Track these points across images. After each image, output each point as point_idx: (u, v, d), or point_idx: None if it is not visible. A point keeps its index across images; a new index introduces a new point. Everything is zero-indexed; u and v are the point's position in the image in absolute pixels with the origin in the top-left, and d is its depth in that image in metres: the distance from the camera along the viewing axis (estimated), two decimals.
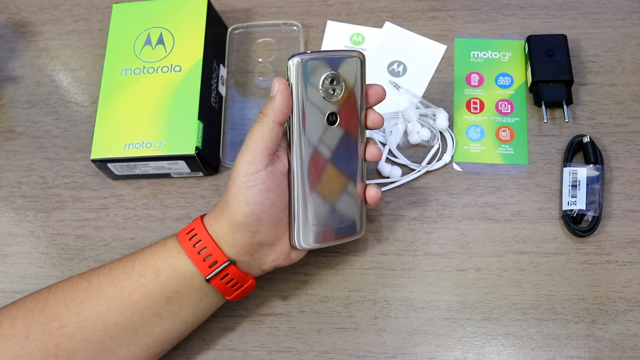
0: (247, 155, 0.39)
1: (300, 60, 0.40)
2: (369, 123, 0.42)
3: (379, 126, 0.43)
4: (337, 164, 0.42)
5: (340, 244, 0.45)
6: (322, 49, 0.57)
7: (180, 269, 0.41)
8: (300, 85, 0.40)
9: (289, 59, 0.40)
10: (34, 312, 0.40)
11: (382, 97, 0.42)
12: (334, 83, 0.40)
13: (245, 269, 0.42)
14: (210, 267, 0.40)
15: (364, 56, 0.41)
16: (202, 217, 0.42)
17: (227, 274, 0.41)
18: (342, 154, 0.42)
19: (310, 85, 0.40)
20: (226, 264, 0.40)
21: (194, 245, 0.40)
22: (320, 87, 0.40)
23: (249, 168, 0.39)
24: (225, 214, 0.40)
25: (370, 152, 0.43)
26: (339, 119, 0.41)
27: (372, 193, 0.43)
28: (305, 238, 0.42)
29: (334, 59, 0.40)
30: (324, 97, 0.40)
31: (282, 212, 0.41)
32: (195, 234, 0.41)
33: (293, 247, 0.42)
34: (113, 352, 0.40)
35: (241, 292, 0.42)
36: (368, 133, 0.46)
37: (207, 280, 0.40)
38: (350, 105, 0.41)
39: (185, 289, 0.41)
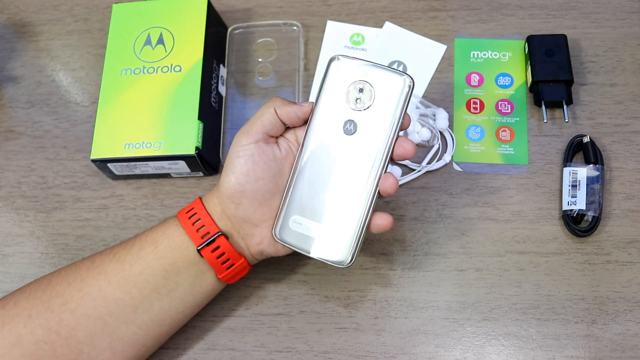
0: (243, 128, 0.42)
1: (335, 59, 0.41)
2: (398, 150, 0.40)
3: (407, 157, 0.40)
4: (343, 175, 0.40)
5: (320, 260, 0.41)
6: (322, 49, 0.57)
7: (177, 240, 0.42)
8: (327, 84, 0.41)
9: (332, 56, 0.41)
10: (37, 292, 0.42)
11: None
12: (362, 92, 0.40)
13: (235, 247, 0.42)
14: (202, 237, 0.42)
15: (412, 80, 0.39)
16: (200, 197, 0.44)
17: (218, 247, 0.42)
18: (353, 168, 0.40)
19: (338, 86, 0.40)
20: (217, 234, 0.41)
21: (189, 218, 0.42)
22: (346, 91, 0.40)
23: (241, 139, 0.41)
24: (218, 186, 0.42)
25: (387, 181, 0.40)
26: (357, 131, 0.40)
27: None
28: (282, 230, 0.41)
29: (374, 69, 0.40)
30: (346, 103, 0.40)
31: (269, 194, 0.42)
32: (192, 208, 0.43)
33: (272, 234, 0.42)
34: (113, 330, 0.41)
35: (233, 271, 0.43)
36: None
37: (199, 252, 0.41)
38: (377, 123, 0.40)
39: (181, 261, 0.42)
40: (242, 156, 0.41)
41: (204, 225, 0.42)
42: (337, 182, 0.41)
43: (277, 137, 0.43)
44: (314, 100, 0.42)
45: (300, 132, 0.43)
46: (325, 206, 0.41)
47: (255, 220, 0.42)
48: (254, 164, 0.41)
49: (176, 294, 0.42)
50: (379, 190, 0.40)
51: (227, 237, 0.42)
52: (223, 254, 0.42)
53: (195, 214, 0.42)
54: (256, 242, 0.43)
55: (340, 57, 0.41)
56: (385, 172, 0.40)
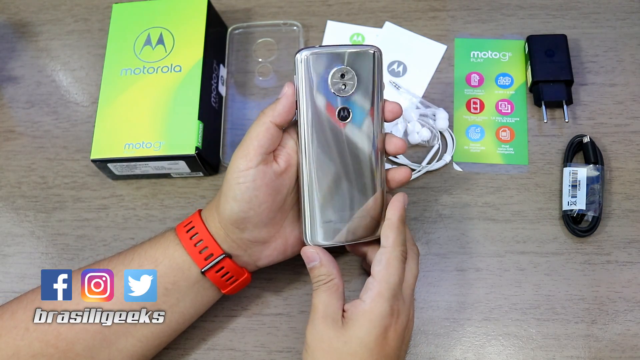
0: (240, 151, 0.40)
1: (307, 54, 0.39)
2: (387, 114, 0.41)
3: (398, 116, 0.41)
4: (352, 159, 0.41)
5: (357, 243, 0.43)
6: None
7: (178, 261, 0.41)
8: (307, 80, 0.40)
9: (296, 53, 0.39)
10: (34, 303, 0.41)
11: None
12: (344, 77, 0.40)
13: (240, 264, 0.42)
14: (206, 259, 0.41)
15: (379, 50, 0.40)
16: (199, 211, 0.43)
17: (222, 267, 0.41)
18: (357, 149, 0.41)
19: (318, 79, 0.40)
20: (221, 257, 0.41)
21: (190, 238, 0.41)
22: (329, 82, 0.40)
23: (240, 164, 0.39)
24: (217, 209, 0.41)
25: (394, 144, 0.41)
26: (351, 114, 0.40)
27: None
28: (314, 235, 0.41)
29: (344, 53, 0.40)
30: (334, 92, 0.40)
31: (274, 213, 0.41)
32: (193, 227, 0.42)
33: (307, 242, 0.41)
34: (112, 343, 0.41)
35: (236, 286, 0.43)
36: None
37: (202, 273, 0.41)
38: (365, 100, 0.40)
39: (182, 281, 0.41)
40: (243, 182, 0.39)
41: (207, 247, 0.41)
42: (350, 167, 0.41)
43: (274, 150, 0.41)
44: (292, 83, 0.41)
45: (294, 133, 0.41)
46: (348, 194, 0.41)
47: (262, 239, 0.41)
48: (256, 190, 0.39)
49: (177, 308, 0.42)
50: (387, 154, 0.42)
51: (231, 257, 0.41)
52: (227, 272, 0.41)
53: (197, 233, 0.41)
54: (266, 255, 0.42)
55: (304, 51, 0.40)
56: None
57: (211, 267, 0.41)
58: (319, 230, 0.41)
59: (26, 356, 0.39)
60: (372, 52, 0.40)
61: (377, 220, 0.42)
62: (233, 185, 0.39)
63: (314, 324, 0.39)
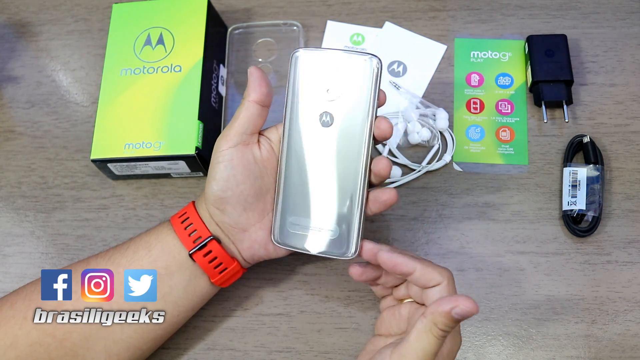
0: (222, 132, 0.41)
1: (300, 54, 0.40)
2: (376, 130, 0.39)
3: (386, 136, 0.39)
4: (330, 168, 0.40)
5: (324, 256, 0.41)
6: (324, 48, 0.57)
7: (169, 244, 0.42)
8: (295, 79, 0.40)
9: (292, 51, 0.40)
10: (33, 294, 0.42)
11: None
12: (334, 82, 0.39)
13: (228, 253, 0.42)
14: (194, 242, 0.41)
15: (379, 61, 0.38)
16: (194, 201, 0.44)
17: (210, 251, 0.41)
18: (338, 158, 0.39)
19: (305, 80, 0.40)
20: (208, 239, 0.41)
21: (182, 222, 0.42)
22: (316, 84, 0.39)
23: (220, 144, 0.41)
24: (203, 192, 0.42)
25: (380, 164, 0.39)
26: (334, 121, 0.39)
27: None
28: (280, 234, 0.41)
29: (339, 58, 0.39)
30: (320, 96, 0.39)
31: (252, 198, 0.41)
32: (185, 212, 0.43)
33: (272, 240, 0.42)
34: (108, 334, 0.41)
35: (226, 275, 0.42)
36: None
37: (190, 256, 0.41)
38: (352, 109, 0.39)
39: (174, 266, 0.42)
40: (222, 162, 0.40)
41: (195, 230, 0.42)
42: (326, 175, 0.40)
43: (258, 136, 0.42)
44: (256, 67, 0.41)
45: (281, 128, 0.41)
46: (319, 202, 0.40)
47: (241, 225, 0.42)
48: (233, 169, 0.40)
49: (170, 298, 0.42)
50: (372, 176, 0.40)
51: (219, 241, 0.42)
52: (215, 258, 0.42)
53: (188, 218, 0.42)
54: (246, 246, 0.42)
55: (301, 50, 0.40)
56: (372, 157, 0.40)
57: (199, 249, 0.41)
58: (285, 230, 0.41)
59: (24, 345, 0.40)
60: (370, 61, 0.38)
61: (347, 240, 0.40)
62: (214, 165, 0.41)
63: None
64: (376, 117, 0.39)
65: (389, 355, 0.36)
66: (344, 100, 0.39)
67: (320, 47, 0.40)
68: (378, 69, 0.38)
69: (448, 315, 0.34)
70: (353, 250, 0.40)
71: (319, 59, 0.40)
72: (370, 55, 0.39)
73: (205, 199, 0.42)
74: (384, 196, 0.40)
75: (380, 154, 0.52)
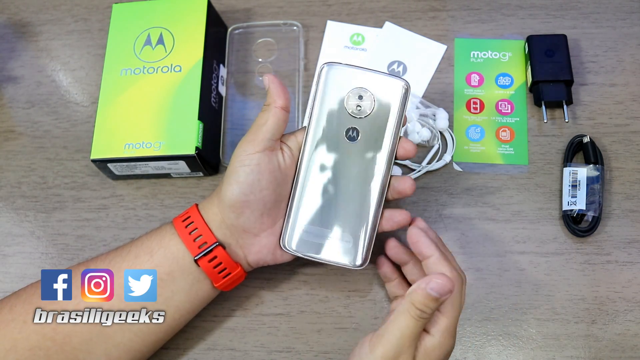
0: (247, 137, 0.41)
1: (329, 67, 0.41)
2: (400, 150, 0.42)
3: (410, 157, 0.42)
4: (350, 181, 0.41)
5: (332, 264, 0.42)
6: (322, 49, 0.57)
7: (173, 249, 0.41)
8: (324, 91, 0.41)
9: (323, 64, 0.41)
10: (32, 297, 0.41)
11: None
12: (362, 99, 0.41)
13: (232, 256, 0.42)
14: (199, 247, 0.41)
15: (408, 85, 0.41)
16: (196, 204, 0.44)
17: (215, 257, 0.41)
18: (359, 173, 0.41)
19: (334, 94, 0.41)
20: (215, 245, 0.41)
21: (186, 227, 0.42)
22: (345, 99, 0.41)
23: (247, 147, 0.40)
24: (218, 195, 0.42)
25: (405, 184, 0.42)
26: (360, 137, 0.41)
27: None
28: (290, 239, 0.42)
29: (371, 78, 0.41)
30: (347, 110, 0.41)
31: (272, 204, 0.41)
32: (189, 216, 0.42)
33: (280, 245, 0.42)
34: (109, 337, 0.41)
35: (229, 281, 0.42)
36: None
37: (196, 261, 0.41)
38: (379, 128, 0.41)
39: (177, 271, 0.41)
40: (248, 165, 0.40)
41: (201, 235, 0.41)
42: (346, 188, 0.41)
43: (280, 142, 0.42)
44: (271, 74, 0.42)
45: (301, 136, 0.42)
46: (336, 212, 0.42)
47: (255, 230, 0.42)
48: (260, 174, 0.40)
49: (172, 302, 0.42)
50: (393, 193, 0.42)
51: (224, 247, 0.42)
52: (220, 263, 0.41)
53: (192, 222, 0.42)
54: (255, 251, 0.42)
55: (334, 64, 0.41)
56: (392, 174, 0.42)
57: (204, 255, 0.41)
58: (294, 236, 0.42)
59: (24, 349, 0.40)
60: (400, 84, 0.41)
61: (355, 251, 0.42)
62: (237, 168, 0.40)
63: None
64: (400, 137, 0.42)
65: (369, 339, 0.38)
66: (372, 118, 0.41)
67: (352, 65, 0.41)
68: (406, 91, 0.41)
69: (424, 292, 0.35)
70: (360, 261, 0.42)
71: (350, 76, 0.41)
72: (401, 79, 0.41)
73: (221, 201, 0.41)
74: (399, 217, 0.42)
75: None
